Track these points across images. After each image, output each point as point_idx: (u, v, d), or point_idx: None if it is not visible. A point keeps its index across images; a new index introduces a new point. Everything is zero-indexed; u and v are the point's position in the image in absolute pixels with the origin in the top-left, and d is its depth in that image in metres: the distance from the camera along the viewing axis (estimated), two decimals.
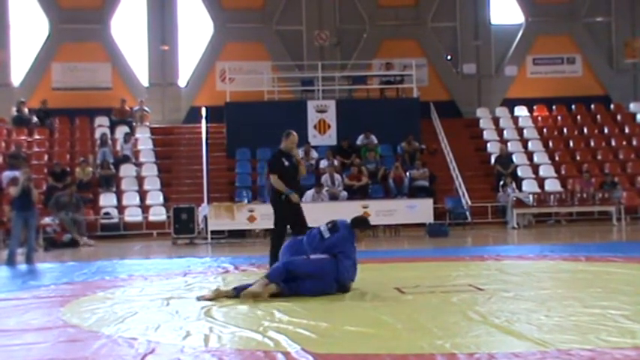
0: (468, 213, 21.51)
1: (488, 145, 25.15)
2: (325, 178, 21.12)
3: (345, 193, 20.63)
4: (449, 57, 27.84)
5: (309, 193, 20.00)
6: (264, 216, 18.39)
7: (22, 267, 12.85)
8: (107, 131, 24.28)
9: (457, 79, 27.79)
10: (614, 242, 15.65)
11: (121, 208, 21.84)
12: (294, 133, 10.70)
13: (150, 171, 23.48)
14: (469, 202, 21.70)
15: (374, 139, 23.26)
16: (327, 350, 5.29)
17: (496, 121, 26.36)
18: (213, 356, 5.20)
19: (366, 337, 5.83)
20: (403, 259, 12.32)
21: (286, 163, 10.57)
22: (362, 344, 5.54)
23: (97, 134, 24.17)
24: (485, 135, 25.68)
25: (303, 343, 5.52)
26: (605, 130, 25.78)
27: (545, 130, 25.89)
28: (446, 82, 27.78)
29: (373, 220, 18.15)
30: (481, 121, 26.31)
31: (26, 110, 24.73)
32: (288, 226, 10.29)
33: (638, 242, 15.52)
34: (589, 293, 7.60)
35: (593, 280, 8.81)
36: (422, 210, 18.71)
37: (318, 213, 18.09)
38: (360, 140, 23.43)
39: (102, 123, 24.94)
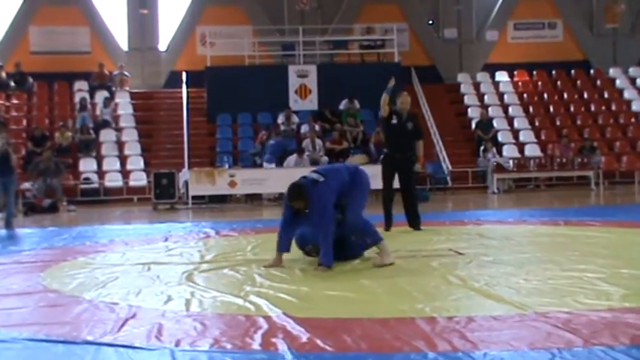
0: (448, 178, 21.60)
1: (469, 110, 25.18)
2: (306, 143, 21.10)
3: (326, 158, 20.62)
4: (430, 22, 27.74)
5: (291, 158, 20.00)
6: (245, 181, 18.43)
7: (2, 232, 12.78)
8: (86, 96, 24.09)
9: (438, 44, 27.73)
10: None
11: (101, 174, 21.75)
12: (405, 95, 10.94)
13: (130, 136, 23.35)
14: (450, 167, 21.79)
15: (356, 104, 23.23)
16: (308, 314, 5.32)
17: (477, 86, 26.37)
18: (194, 320, 5.22)
19: (346, 301, 5.87)
20: (383, 223, 12.33)
21: (394, 121, 10.96)
22: (342, 308, 5.58)
23: (77, 99, 23.98)
24: (466, 100, 25.70)
25: (284, 307, 5.54)
26: (585, 96, 25.88)
27: (525, 95, 25.94)
28: (427, 46, 27.71)
29: None
30: (462, 86, 26.31)
31: (3, 74, 24.45)
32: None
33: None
34: (567, 257, 7.67)
35: (571, 243, 8.89)
36: None
37: (298, 177, 18.15)
38: (343, 105, 23.38)
39: (81, 87, 24.74)
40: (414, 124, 10.95)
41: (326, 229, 7.30)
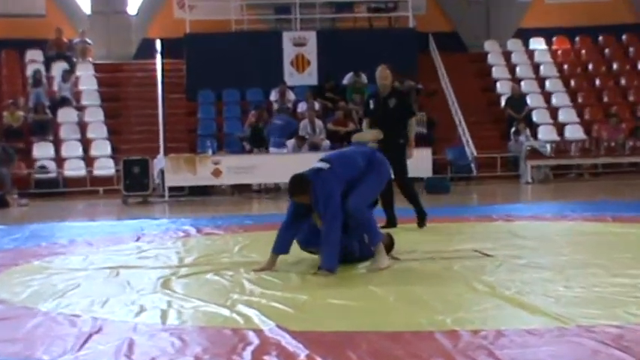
0: (473, 165, 21.60)
1: (498, 84, 25.15)
2: (304, 125, 21.06)
3: (327, 143, 20.61)
4: None
5: (289, 143, 20.00)
6: (231, 170, 18.45)
7: None
8: (41, 68, 24.03)
9: (461, 6, 27.63)
10: None
11: (59, 161, 21.73)
12: (380, 68, 10.93)
13: (94, 116, 23.33)
14: (474, 153, 21.78)
15: (364, 78, 23.20)
16: (306, 327, 5.32)
17: (507, 55, 26.33)
18: (171, 335, 5.22)
19: (352, 311, 5.88)
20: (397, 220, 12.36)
21: (371, 106, 11.02)
22: (347, 320, 5.59)
23: (29, 71, 23.90)
24: (495, 72, 25.67)
25: (278, 318, 5.54)
26: (639, 66, 25.83)
27: (565, 66, 25.92)
28: (448, 9, 27.65)
29: None
30: (489, 55, 26.27)
31: None
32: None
33: None
34: (616, 260, 7.67)
35: (621, 244, 8.89)
36: (418, 162, 18.48)
37: (296, 166, 18.13)
38: (347, 79, 23.35)
39: (35, 58, 24.65)
40: (399, 101, 10.85)
41: (330, 224, 7.32)
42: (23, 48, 24.85)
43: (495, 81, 25.34)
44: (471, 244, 8.99)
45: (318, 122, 21.26)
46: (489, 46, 26.66)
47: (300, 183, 7.45)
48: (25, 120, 22.11)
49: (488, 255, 8.18)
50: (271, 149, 20.10)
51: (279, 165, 18.28)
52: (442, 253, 8.40)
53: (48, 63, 24.47)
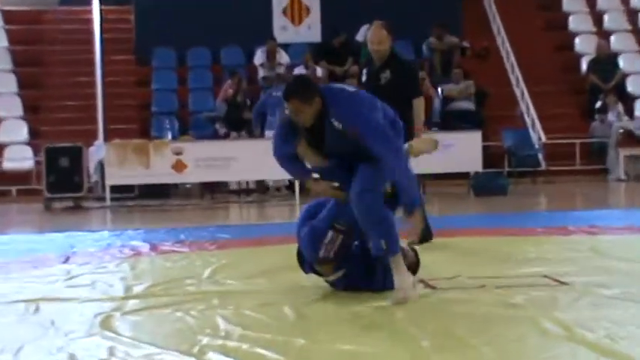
0: (540, 155, 21.59)
1: (577, 40, 25.17)
2: None
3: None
4: None
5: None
6: (199, 162, 18.45)
7: None
8: None
9: None
10: None
11: None
12: (374, 26, 10.93)
13: (4, 86, 23.36)
14: (543, 138, 21.77)
15: (385, 32, 23.16)
16: None
17: None
18: None
19: None
20: (433, 232, 12.35)
21: (363, 78, 10.96)
22: None
23: None
24: (572, 23, 25.69)
25: None
26: None
27: None
28: None
29: None
30: None
31: None
32: None
33: None
34: None
35: None
36: (463, 151, 18.73)
37: None
38: (362, 34, 23.33)
39: None
40: (395, 75, 10.71)
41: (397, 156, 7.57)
42: None
43: (574, 35, 25.34)
44: (539, 267, 8.97)
45: None
46: None
47: (308, 83, 7.70)
48: None
49: (562, 282, 8.17)
50: (268, 133, 19.99)
51: (266, 156, 18.22)
52: (497, 280, 8.38)
53: None
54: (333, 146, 7.63)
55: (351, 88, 7.92)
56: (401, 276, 7.60)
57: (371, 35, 10.85)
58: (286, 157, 7.92)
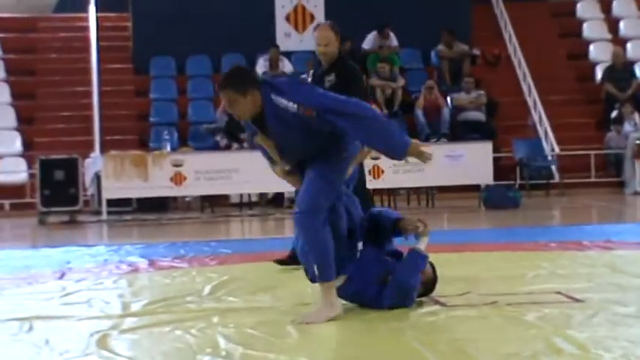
0: (554, 167, 21.56)
1: (592, 47, 25.17)
2: None
3: None
4: None
5: None
6: (199, 175, 18.44)
7: None
8: None
9: None
10: None
11: None
12: (322, 26, 10.76)
13: None
14: (556, 149, 21.75)
15: (393, 39, 23.19)
16: None
17: (606, 4, 26.31)
18: None
19: None
20: (441, 246, 12.28)
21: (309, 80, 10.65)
22: None
23: None
24: (587, 30, 25.68)
25: None
26: None
27: None
28: None
29: (390, 180, 18.54)
30: (580, 5, 26.26)
31: None
32: None
33: None
34: None
35: None
36: (474, 162, 18.71)
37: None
38: (369, 42, 23.39)
39: None
40: (341, 78, 10.50)
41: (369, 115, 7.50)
42: None
43: (588, 43, 25.34)
44: (552, 284, 8.95)
45: None
46: None
47: (243, 74, 7.61)
48: None
49: (577, 299, 8.14)
50: None
51: (268, 167, 18.24)
52: (509, 297, 8.36)
53: None
54: (278, 138, 7.58)
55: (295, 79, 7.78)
56: (325, 304, 7.57)
57: (317, 37, 10.55)
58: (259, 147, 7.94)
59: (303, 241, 7.56)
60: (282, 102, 7.35)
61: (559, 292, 8.47)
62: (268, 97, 7.37)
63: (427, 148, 8.81)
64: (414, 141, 7.63)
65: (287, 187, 18.35)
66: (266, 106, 7.39)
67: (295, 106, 7.30)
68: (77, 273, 10.77)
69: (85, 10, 24.35)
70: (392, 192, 19.16)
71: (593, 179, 21.75)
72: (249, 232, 16.82)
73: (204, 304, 8.48)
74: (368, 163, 18.00)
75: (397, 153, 7.56)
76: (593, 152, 21.93)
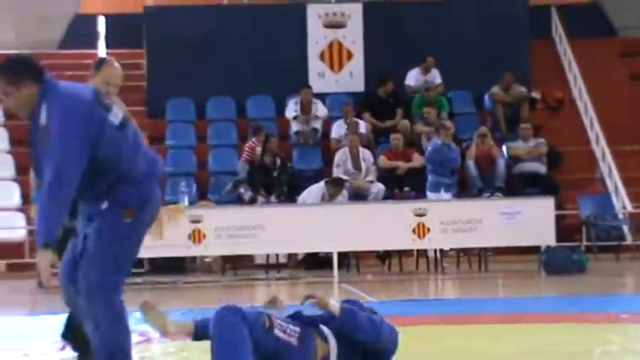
0: (626, 227, 21.45)
1: None
2: (342, 158, 21.04)
3: (380, 187, 20.54)
4: None
5: (314, 189, 19.87)
6: (220, 232, 18.40)
7: None
8: None
9: None
10: None
11: None
12: (115, 64, 10.46)
13: None
14: (629, 206, 21.64)
15: (437, 76, 23.19)
16: None
17: None
18: None
19: None
20: (496, 317, 12.26)
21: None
22: None
23: None
24: None
25: None
26: None
27: None
28: None
29: (436, 240, 18.45)
30: None
31: None
32: None
33: None
34: None
35: None
36: (533, 220, 18.61)
37: (328, 226, 18.09)
38: (411, 79, 23.40)
39: None
40: None
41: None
42: None
43: None
44: (625, 359, 8.81)
45: (365, 154, 21.22)
46: None
47: (23, 63, 7.39)
48: None
49: None
50: (299, 198, 19.96)
51: (298, 224, 18.23)
52: None
53: None
54: (35, 148, 7.30)
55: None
56: None
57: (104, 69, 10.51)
58: None
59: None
60: (47, 107, 7.19)
61: None
62: (43, 98, 7.21)
63: None
64: None
65: (321, 248, 18.42)
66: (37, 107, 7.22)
67: (45, 120, 7.16)
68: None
69: (93, 46, 24.62)
70: (439, 254, 19.05)
71: None
72: (276, 296, 16.74)
73: None
74: (412, 221, 18.00)
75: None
76: None
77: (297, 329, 7.66)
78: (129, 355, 7.44)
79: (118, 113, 7.43)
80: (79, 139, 7.10)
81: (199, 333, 8.03)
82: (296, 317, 7.99)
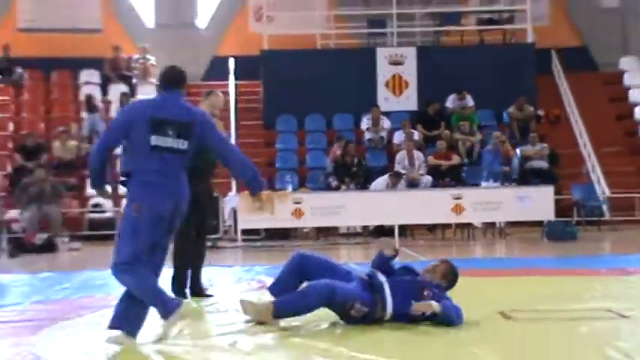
0: (605, 207, 21.27)
1: (636, 109, 24.83)
2: (401, 157, 21.07)
3: (429, 178, 20.56)
4: None
5: (381, 180, 19.95)
6: (315, 210, 18.48)
7: None
8: (97, 91, 24.46)
9: (592, 16, 27.40)
10: None
11: (116, 198, 21.90)
12: (219, 94, 10.46)
13: None
14: (607, 192, 21.46)
15: (470, 100, 23.14)
16: None
17: None
18: None
19: None
20: (511, 271, 12.25)
21: None
22: None
23: (83, 94, 24.33)
24: (633, 96, 25.35)
25: None
26: None
27: None
28: (575, 20, 27.47)
29: (469, 216, 18.44)
30: (626, 75, 25.97)
31: None
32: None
33: None
34: None
35: None
36: (538, 202, 18.51)
37: (391, 206, 18.18)
38: (450, 102, 23.33)
39: (89, 79, 25.12)
40: None
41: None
42: (77, 68, 25.32)
43: (634, 106, 25.01)
44: (603, 303, 8.84)
45: (418, 154, 21.24)
46: (626, 63, 26.38)
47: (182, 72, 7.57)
48: (78, 151, 22.13)
49: (624, 316, 8.02)
50: (372, 186, 20.04)
51: (371, 205, 18.32)
52: (566, 313, 8.26)
53: (104, 85, 24.88)
54: None
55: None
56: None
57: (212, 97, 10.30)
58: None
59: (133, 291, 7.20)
60: None
61: (609, 310, 8.36)
62: None
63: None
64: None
65: (387, 221, 18.38)
66: None
67: None
68: (217, 287, 10.83)
69: (226, 78, 24.69)
70: (470, 226, 19.04)
71: (637, 217, 21.38)
72: (354, 257, 16.74)
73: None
74: (451, 203, 18.04)
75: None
76: (637, 195, 21.60)
77: (366, 310, 7.62)
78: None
79: (167, 140, 7.10)
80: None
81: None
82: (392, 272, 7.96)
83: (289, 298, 7.74)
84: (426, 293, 7.67)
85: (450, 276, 8.04)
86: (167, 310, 7.13)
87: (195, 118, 7.32)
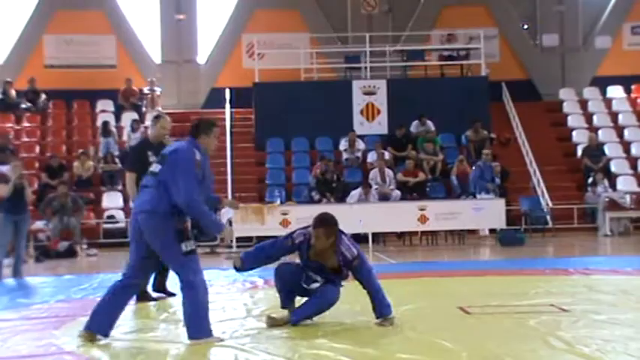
0: (548, 217, 21.32)
1: (574, 133, 24.90)
2: (374, 174, 21.08)
3: (397, 193, 20.57)
4: (525, 26, 27.61)
5: (355, 192, 19.98)
6: (300, 220, 18.36)
7: (9, 281, 12.97)
8: (111, 118, 24.46)
9: (535, 54, 27.54)
10: None
11: (127, 211, 21.93)
12: (167, 117, 10.40)
13: None
14: (550, 204, 21.50)
15: (430, 125, 23.18)
16: None
17: (584, 104, 26.10)
18: None
19: None
20: (469, 271, 12.29)
21: (152, 159, 9.29)
22: None
23: (99, 121, 24.33)
24: (571, 121, 25.43)
25: None
26: None
27: None
28: (521, 57, 27.56)
29: (432, 225, 18.42)
30: (565, 104, 26.06)
31: (13, 92, 24.89)
32: None
33: None
34: None
35: None
36: (491, 213, 18.58)
37: (364, 216, 18.17)
38: (414, 127, 23.35)
39: (105, 108, 25.15)
40: None
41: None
42: (94, 98, 25.37)
43: (571, 130, 25.11)
44: (547, 299, 8.86)
45: (389, 172, 21.25)
46: (565, 94, 26.48)
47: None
48: (95, 170, 22.40)
49: (564, 310, 8.04)
50: (348, 199, 20.04)
51: (347, 216, 18.27)
52: (516, 307, 8.29)
53: (118, 112, 24.90)
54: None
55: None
56: None
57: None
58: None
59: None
60: None
61: (552, 305, 8.38)
62: None
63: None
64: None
65: (361, 230, 18.36)
66: None
67: None
68: (216, 287, 10.81)
69: (223, 106, 24.73)
70: (434, 234, 19.06)
71: (575, 225, 21.43)
72: None
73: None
74: (416, 213, 18.05)
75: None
76: (575, 206, 21.66)
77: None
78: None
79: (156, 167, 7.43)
80: None
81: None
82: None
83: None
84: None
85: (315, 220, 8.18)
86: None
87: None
